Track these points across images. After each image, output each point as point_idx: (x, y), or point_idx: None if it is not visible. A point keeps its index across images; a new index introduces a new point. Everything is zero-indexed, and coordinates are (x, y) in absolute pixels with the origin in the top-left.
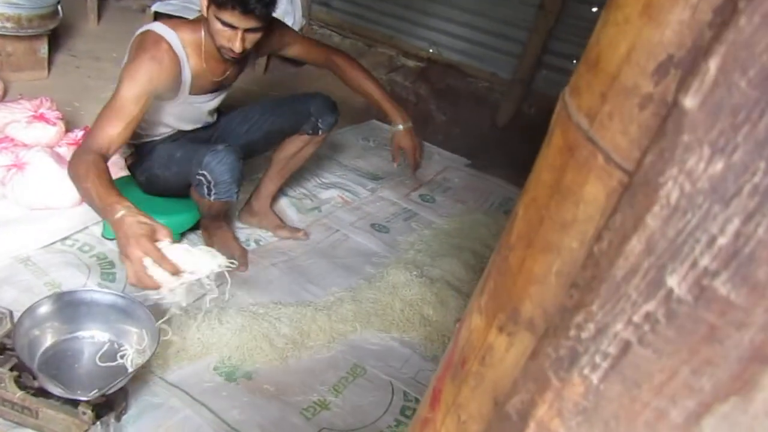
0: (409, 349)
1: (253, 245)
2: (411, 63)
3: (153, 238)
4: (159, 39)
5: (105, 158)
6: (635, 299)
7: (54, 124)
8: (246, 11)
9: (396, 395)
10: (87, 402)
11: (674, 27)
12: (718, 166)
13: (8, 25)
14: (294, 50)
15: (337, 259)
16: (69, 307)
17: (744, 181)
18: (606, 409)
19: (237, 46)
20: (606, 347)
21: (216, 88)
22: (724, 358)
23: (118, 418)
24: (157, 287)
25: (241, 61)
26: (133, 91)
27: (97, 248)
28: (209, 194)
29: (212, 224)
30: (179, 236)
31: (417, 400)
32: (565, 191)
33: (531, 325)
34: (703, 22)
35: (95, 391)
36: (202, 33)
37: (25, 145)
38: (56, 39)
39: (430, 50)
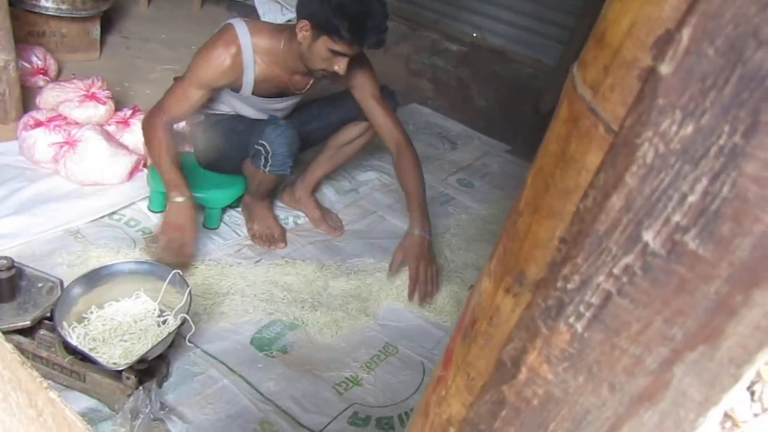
0: (442, 331)
1: (291, 224)
2: (454, 47)
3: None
4: (233, 40)
5: (171, 129)
6: (615, 252)
7: (104, 103)
8: (363, 44)
9: (427, 375)
10: (130, 368)
11: (672, 2)
12: (689, 128)
13: (63, 6)
14: (362, 95)
15: (372, 240)
16: (111, 278)
17: (711, 143)
18: (589, 356)
19: (342, 70)
20: (589, 298)
21: (283, 93)
22: (693, 308)
23: (159, 385)
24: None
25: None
26: (195, 82)
27: (142, 223)
28: (265, 165)
29: (253, 202)
30: (221, 211)
31: None
32: (569, 159)
33: (535, 287)
34: None
35: (134, 359)
36: (281, 44)
37: (76, 123)
38: (108, 20)
39: (474, 34)
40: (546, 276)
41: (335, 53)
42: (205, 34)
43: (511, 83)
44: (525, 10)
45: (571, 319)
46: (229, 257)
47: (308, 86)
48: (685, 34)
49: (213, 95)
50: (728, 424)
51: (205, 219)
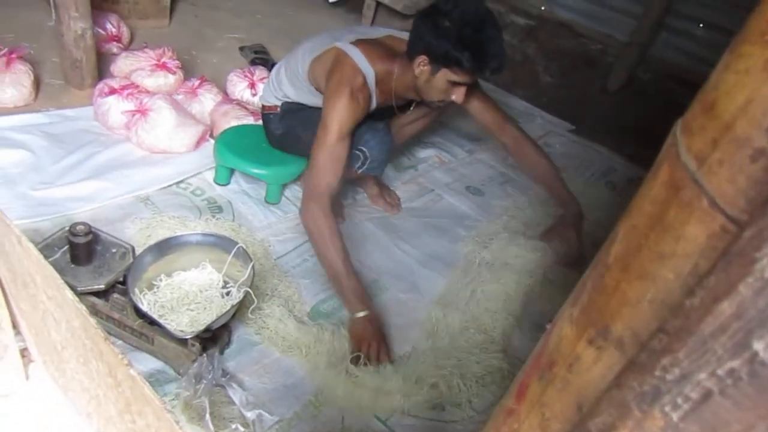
0: None
1: (350, 199)
2: (520, 20)
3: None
4: (357, 72)
5: (333, 216)
6: (721, 355)
7: (174, 73)
8: (485, 72)
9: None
10: (195, 336)
11: None
12: None
13: None
14: (470, 102)
15: (429, 218)
16: (180, 248)
17: None
18: None
19: (461, 99)
20: (689, 391)
21: (383, 112)
22: None
23: (221, 352)
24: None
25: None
26: (339, 136)
27: (207, 192)
28: (361, 167)
29: None
30: (281, 187)
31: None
32: (666, 225)
33: (620, 344)
34: None
35: (200, 328)
36: (395, 73)
37: (147, 92)
38: None
39: (542, 7)
40: (643, 361)
41: (455, 84)
42: (271, 4)
43: (579, 59)
44: None
45: (667, 408)
46: (288, 231)
47: (410, 108)
48: None
49: (305, 83)
50: None
51: (266, 194)
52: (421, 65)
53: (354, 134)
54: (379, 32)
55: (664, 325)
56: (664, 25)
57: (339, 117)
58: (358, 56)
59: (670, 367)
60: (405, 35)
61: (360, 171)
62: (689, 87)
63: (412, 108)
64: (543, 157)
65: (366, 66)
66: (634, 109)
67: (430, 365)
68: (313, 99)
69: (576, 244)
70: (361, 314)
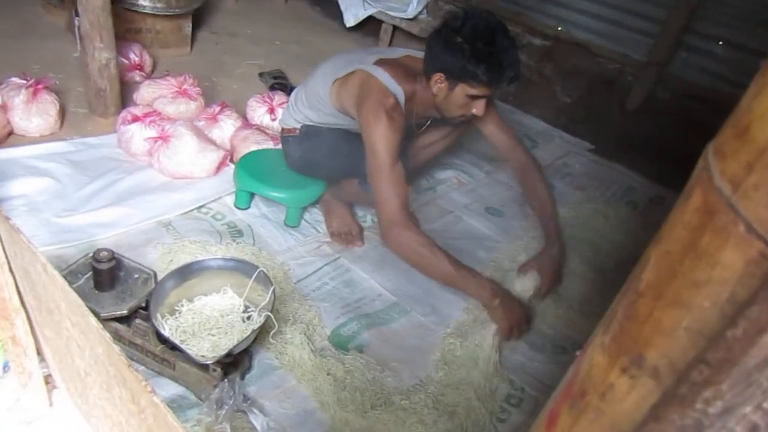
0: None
1: (369, 222)
2: (537, 41)
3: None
4: (387, 93)
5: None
6: (767, 388)
7: (195, 100)
8: (502, 83)
9: (503, 381)
10: (217, 361)
11: None
12: None
13: (159, 5)
14: (485, 124)
15: (449, 240)
16: (201, 272)
17: None
18: None
19: (481, 111)
20: (733, 425)
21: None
22: None
23: (242, 377)
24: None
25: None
26: (393, 158)
27: (227, 216)
28: None
29: (333, 200)
30: (301, 210)
31: (523, 390)
32: (700, 252)
33: (655, 373)
34: None
35: (222, 353)
36: (416, 92)
37: (169, 119)
38: (199, 17)
39: (558, 28)
40: (684, 393)
41: (473, 97)
42: (289, 30)
43: (596, 79)
44: (612, 2)
45: None
46: (308, 254)
47: (425, 125)
48: None
49: (328, 107)
50: None
51: (286, 218)
52: (439, 82)
53: (363, 159)
54: (398, 52)
55: (704, 356)
56: (682, 43)
57: (385, 141)
58: (385, 77)
59: (713, 399)
60: (422, 54)
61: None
62: (709, 105)
63: (426, 125)
64: (544, 189)
65: (395, 86)
66: (653, 129)
67: (450, 389)
68: (334, 120)
69: (547, 286)
70: (497, 301)
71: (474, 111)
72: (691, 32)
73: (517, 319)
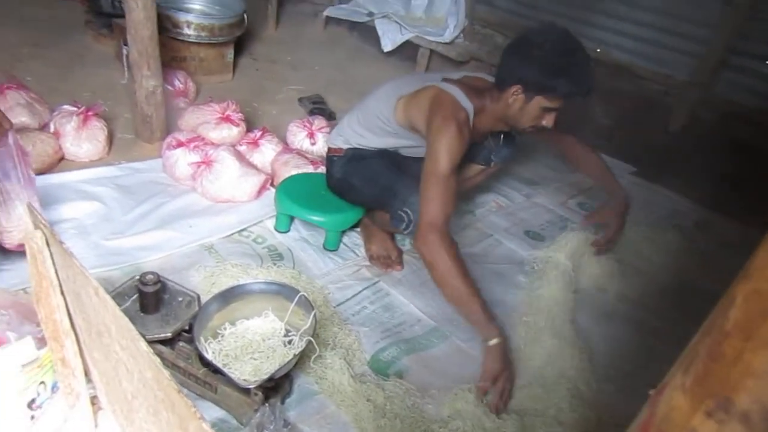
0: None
1: (407, 246)
2: None
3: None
4: (460, 108)
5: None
6: None
7: (237, 125)
8: (580, 95)
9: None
10: (258, 385)
11: None
12: None
13: (203, 34)
14: None
15: (488, 264)
16: (243, 296)
17: None
18: None
19: (551, 123)
20: None
21: None
22: None
23: (282, 401)
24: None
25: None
26: (451, 168)
27: (268, 240)
28: (406, 229)
29: (372, 224)
30: (340, 234)
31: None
32: None
33: (746, 419)
34: None
35: (264, 377)
36: (485, 106)
37: (212, 144)
38: (240, 44)
39: (597, 50)
40: None
41: (546, 110)
42: (327, 56)
43: (638, 100)
44: (653, 23)
45: None
46: (347, 278)
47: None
48: None
49: (375, 128)
50: None
51: (325, 241)
52: (515, 94)
53: (398, 190)
54: (458, 74)
55: None
56: (727, 63)
57: (450, 150)
58: (458, 93)
59: None
60: (479, 74)
61: (408, 233)
62: (753, 126)
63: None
64: (592, 153)
65: (466, 102)
66: (697, 150)
67: (488, 418)
68: (394, 139)
69: (615, 228)
70: (494, 341)
71: (544, 122)
72: (735, 52)
73: (501, 385)
